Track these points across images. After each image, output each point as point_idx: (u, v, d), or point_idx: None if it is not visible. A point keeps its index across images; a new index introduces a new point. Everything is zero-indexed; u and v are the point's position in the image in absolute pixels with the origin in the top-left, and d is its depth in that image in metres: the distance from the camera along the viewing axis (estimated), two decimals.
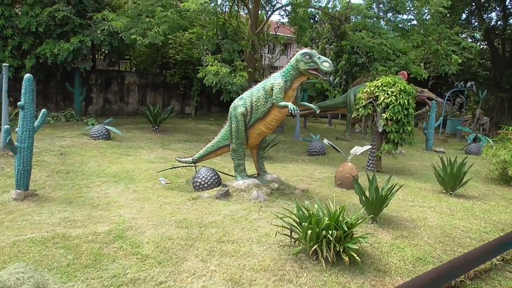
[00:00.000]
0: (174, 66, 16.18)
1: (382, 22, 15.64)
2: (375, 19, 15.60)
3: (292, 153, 10.91)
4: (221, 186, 6.32)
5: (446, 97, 17.00)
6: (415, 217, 5.63)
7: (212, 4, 10.41)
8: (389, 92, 8.06)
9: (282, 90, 5.67)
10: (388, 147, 8.22)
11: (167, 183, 6.96)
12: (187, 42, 15.42)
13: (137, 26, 10.50)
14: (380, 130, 8.27)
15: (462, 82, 17.53)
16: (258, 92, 5.96)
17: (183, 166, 7.22)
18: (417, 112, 19.52)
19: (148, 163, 8.27)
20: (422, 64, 14.05)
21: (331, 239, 3.88)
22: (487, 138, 12.70)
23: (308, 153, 10.69)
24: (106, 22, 11.61)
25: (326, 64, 5.45)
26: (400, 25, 14.75)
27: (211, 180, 6.59)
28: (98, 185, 6.50)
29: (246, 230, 4.71)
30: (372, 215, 5.20)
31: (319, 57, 5.51)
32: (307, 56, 5.54)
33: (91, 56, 15.98)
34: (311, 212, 4.18)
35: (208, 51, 13.49)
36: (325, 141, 7.67)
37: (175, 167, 7.06)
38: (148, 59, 17.10)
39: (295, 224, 4.20)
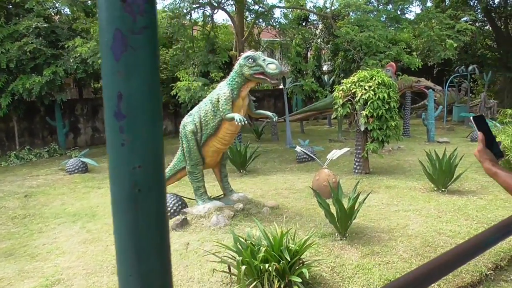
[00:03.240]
0: (161, 85, 15.75)
1: (371, 15, 14.91)
2: (375, 12, 14.89)
3: (281, 162, 10.27)
4: (180, 214, 5.74)
5: (448, 84, 16.03)
6: (394, 226, 4.93)
7: (175, 20, 9.90)
8: (366, 87, 7.38)
9: (228, 100, 5.09)
10: (373, 147, 7.51)
11: None
12: (171, 59, 14.99)
13: None
14: (362, 128, 7.57)
15: (463, 66, 16.57)
16: (206, 106, 5.40)
17: None
18: (419, 104, 18.68)
19: None
20: (414, 53, 13.26)
21: (272, 272, 3.25)
22: (493, 122, 11.79)
23: (297, 160, 10.02)
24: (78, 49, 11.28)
25: (272, 66, 4.85)
26: (397, 13, 14.03)
27: (174, 208, 6.01)
28: (53, 228, 6.00)
29: (191, 267, 4.11)
30: (340, 231, 4.54)
31: (264, 59, 4.92)
32: (250, 60, 4.95)
33: (75, 87, 15.79)
34: (249, 242, 3.56)
35: (195, 66, 13.04)
36: (298, 148, 7.03)
37: None
38: None
39: (232, 259, 3.58)
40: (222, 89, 5.17)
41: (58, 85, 11.66)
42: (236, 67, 5.14)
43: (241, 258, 3.38)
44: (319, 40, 21.70)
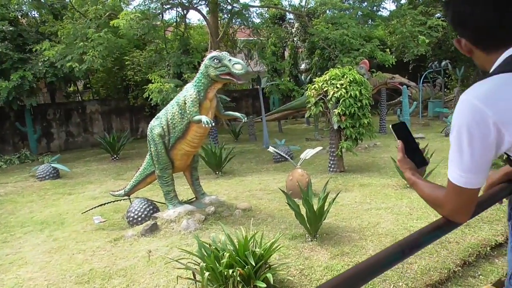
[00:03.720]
0: (135, 88, 15.52)
1: (347, 12, 14.98)
2: (351, 10, 14.93)
3: (257, 162, 10.19)
4: (151, 219, 5.60)
5: (422, 80, 16.22)
6: (365, 224, 4.90)
7: (144, 21, 9.69)
8: (338, 86, 7.36)
9: (195, 102, 4.98)
10: (347, 145, 7.49)
11: (101, 222, 6.25)
12: (145, 60, 14.75)
13: (73, 52, 9.84)
14: (335, 127, 7.55)
15: (436, 62, 16.79)
16: (173, 108, 5.27)
17: (114, 201, 6.49)
18: (396, 100, 18.86)
19: (90, 200, 7.55)
20: (388, 50, 13.37)
21: (237, 278, 3.17)
22: None
23: (274, 160, 9.97)
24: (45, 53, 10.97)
25: (238, 66, 4.76)
26: (370, 10, 14.12)
27: (145, 213, 5.86)
28: (19, 237, 5.78)
29: (157, 275, 3.99)
30: (310, 232, 4.49)
31: (229, 59, 4.83)
32: (216, 60, 4.85)
33: (48, 91, 15.39)
34: (214, 247, 3.46)
35: (169, 67, 12.83)
36: (271, 148, 6.96)
37: (103, 204, 6.34)
38: (108, 84, 16.43)
39: (197, 265, 3.48)
40: (189, 91, 5.06)
41: (26, 89, 11.32)
42: (202, 68, 5.03)
43: (204, 264, 3.28)
44: (295, 39, 21.74)
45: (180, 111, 5.16)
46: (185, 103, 5.07)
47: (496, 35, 1.05)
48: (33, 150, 13.03)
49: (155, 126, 5.37)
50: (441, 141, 10.52)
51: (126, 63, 14.47)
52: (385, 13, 16.12)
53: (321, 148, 7.21)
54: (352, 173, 7.73)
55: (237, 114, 5.51)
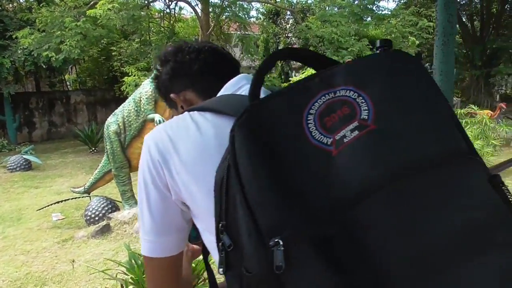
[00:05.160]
0: (122, 79, 15.22)
1: (336, 9, 14.69)
2: (347, 8, 14.60)
3: None
4: (106, 220, 5.37)
5: None
6: None
7: (124, 12, 9.40)
8: None
9: (150, 100, 4.74)
10: None
11: (59, 219, 6.02)
12: (128, 52, 14.46)
13: (51, 41, 9.55)
14: None
15: (428, 64, 16.53)
16: (129, 105, 5.04)
17: (73, 198, 6.26)
18: None
19: (55, 195, 7.29)
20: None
21: None
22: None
23: None
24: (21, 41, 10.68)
25: None
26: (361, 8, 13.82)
27: (103, 212, 5.62)
28: None
29: (92, 282, 3.77)
30: None
31: None
32: None
33: (30, 79, 15.11)
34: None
35: (151, 59, 12.53)
36: None
37: (61, 201, 6.10)
38: (95, 74, 16.14)
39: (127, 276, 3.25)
40: (145, 88, 4.82)
41: (4, 77, 11.04)
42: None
43: (128, 277, 3.06)
44: (290, 35, 21.42)
45: (136, 108, 4.93)
46: (141, 100, 4.83)
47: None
48: (12, 139, 12.75)
49: (111, 123, 5.14)
50: None
51: (113, 53, 14.16)
52: (385, 11, 15.78)
53: None
54: None
55: None
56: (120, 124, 5.06)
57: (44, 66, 11.60)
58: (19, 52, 11.08)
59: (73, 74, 18.34)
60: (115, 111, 5.29)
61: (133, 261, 3.26)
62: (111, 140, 5.10)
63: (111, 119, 5.19)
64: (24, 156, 9.26)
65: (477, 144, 6.85)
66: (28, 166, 9.27)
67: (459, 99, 16.49)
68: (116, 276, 3.31)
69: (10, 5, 13.51)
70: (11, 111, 12.84)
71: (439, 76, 1.00)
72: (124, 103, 5.22)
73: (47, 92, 15.21)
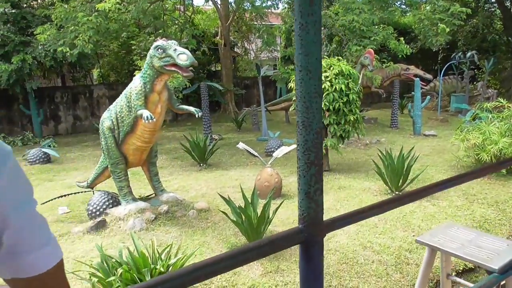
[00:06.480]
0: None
1: None
2: None
3: (248, 155, 9.77)
4: (103, 215, 5.36)
5: (443, 72, 15.11)
6: None
7: (132, 5, 9.35)
8: (322, 78, 6.80)
9: (140, 95, 4.64)
10: (331, 142, 6.97)
11: (64, 213, 6.10)
12: (150, 45, 14.52)
13: (66, 36, 9.68)
14: None
15: (461, 53, 15.61)
16: (121, 101, 4.96)
17: (76, 193, 6.29)
18: (413, 93, 17.80)
19: (66, 188, 7.39)
20: (402, 39, 12.46)
21: None
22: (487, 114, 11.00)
23: (266, 153, 9.53)
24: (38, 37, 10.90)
25: (183, 56, 4.36)
26: None
27: (104, 207, 5.62)
28: None
29: (75, 280, 3.72)
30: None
31: (175, 49, 4.42)
32: (160, 50, 4.47)
33: (56, 74, 15.46)
34: (114, 261, 3.14)
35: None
36: (240, 145, 6.56)
37: (64, 195, 6.15)
38: (117, 68, 16.35)
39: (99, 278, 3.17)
40: (134, 83, 4.72)
41: (27, 72, 11.32)
42: (147, 58, 4.66)
43: (96, 279, 2.97)
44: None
45: (127, 104, 4.85)
46: (131, 96, 4.74)
47: None
48: (37, 133, 13.14)
49: (105, 118, 5.09)
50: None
51: (133, 47, 14.27)
52: None
53: (295, 146, 6.72)
54: (335, 173, 7.22)
55: (191, 108, 5.13)
56: (113, 120, 5.00)
57: (63, 62, 11.80)
58: (40, 48, 11.32)
59: (97, 69, 18.74)
60: (109, 106, 5.24)
61: (104, 263, 3.18)
62: (105, 136, 5.06)
63: (105, 115, 5.14)
64: (43, 150, 9.46)
65: (503, 142, 6.36)
66: (47, 159, 9.48)
67: (495, 90, 15.56)
68: (91, 278, 3.24)
69: (35, 2, 13.83)
70: (36, 105, 13.20)
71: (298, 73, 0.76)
72: (117, 98, 5.15)
73: (71, 86, 15.57)
